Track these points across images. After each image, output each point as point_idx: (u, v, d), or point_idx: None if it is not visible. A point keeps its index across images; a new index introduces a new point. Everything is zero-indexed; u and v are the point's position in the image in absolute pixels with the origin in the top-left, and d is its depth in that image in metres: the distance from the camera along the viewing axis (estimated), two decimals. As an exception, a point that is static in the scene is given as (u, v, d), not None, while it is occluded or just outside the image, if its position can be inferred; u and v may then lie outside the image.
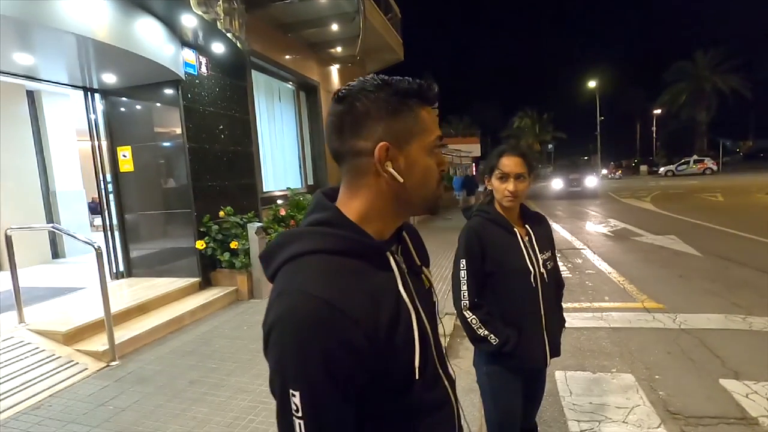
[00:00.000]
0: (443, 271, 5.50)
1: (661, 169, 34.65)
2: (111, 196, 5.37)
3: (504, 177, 1.55)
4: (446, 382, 0.78)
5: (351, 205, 0.70)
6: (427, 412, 0.72)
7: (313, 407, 0.60)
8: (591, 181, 18.46)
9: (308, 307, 0.59)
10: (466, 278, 1.56)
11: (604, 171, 39.03)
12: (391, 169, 0.67)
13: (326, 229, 0.68)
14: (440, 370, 0.77)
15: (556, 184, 19.25)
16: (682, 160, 32.73)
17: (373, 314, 0.63)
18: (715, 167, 31.28)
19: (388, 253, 0.70)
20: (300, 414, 0.59)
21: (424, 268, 0.82)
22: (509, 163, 1.54)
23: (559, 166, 22.63)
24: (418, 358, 0.69)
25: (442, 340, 0.82)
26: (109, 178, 5.31)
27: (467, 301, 1.55)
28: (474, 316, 1.54)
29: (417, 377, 0.69)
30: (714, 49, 33.82)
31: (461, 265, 1.58)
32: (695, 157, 32.97)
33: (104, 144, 5.24)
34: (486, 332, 1.52)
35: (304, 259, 0.65)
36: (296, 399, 0.59)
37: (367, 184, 0.69)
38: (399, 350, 0.66)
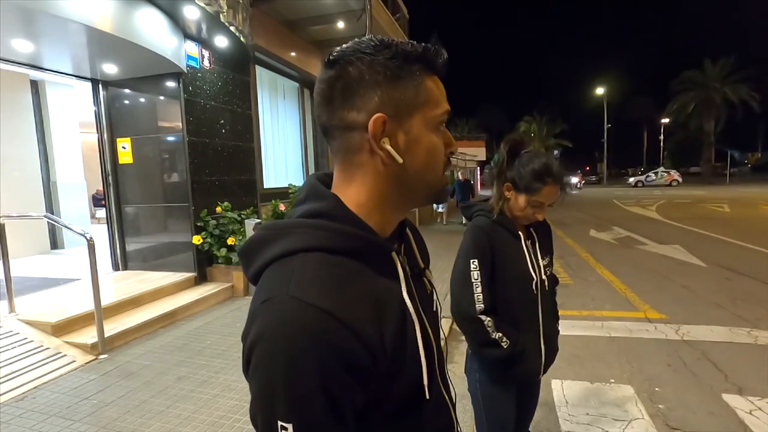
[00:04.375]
0: (441, 273, 5.42)
1: (631, 179, 34.91)
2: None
3: (539, 205, 1.41)
4: (448, 401, 0.69)
5: (348, 193, 0.60)
6: None
7: None
8: None
9: (304, 318, 0.49)
10: (480, 280, 1.42)
11: (574, 179, 35.98)
12: (389, 147, 0.56)
13: (324, 222, 0.57)
14: (442, 388, 0.68)
15: None
16: (651, 171, 33.62)
17: (378, 326, 0.53)
18: (680, 179, 32.17)
19: (393, 253, 0.61)
20: None
21: (426, 270, 0.72)
22: (551, 193, 1.38)
23: None
24: (427, 376, 0.59)
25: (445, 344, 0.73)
26: (108, 169, 5.28)
27: (482, 305, 1.41)
28: (489, 319, 1.41)
29: (427, 397, 0.59)
30: (723, 60, 33.42)
31: (472, 266, 1.43)
32: (662, 168, 33.94)
33: (105, 135, 5.22)
34: (499, 334, 1.41)
35: (296, 258, 0.54)
36: None
37: (361, 165, 0.58)
38: (405, 368, 0.57)
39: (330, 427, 0.49)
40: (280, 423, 0.48)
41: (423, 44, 0.59)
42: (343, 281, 0.54)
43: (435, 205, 13.20)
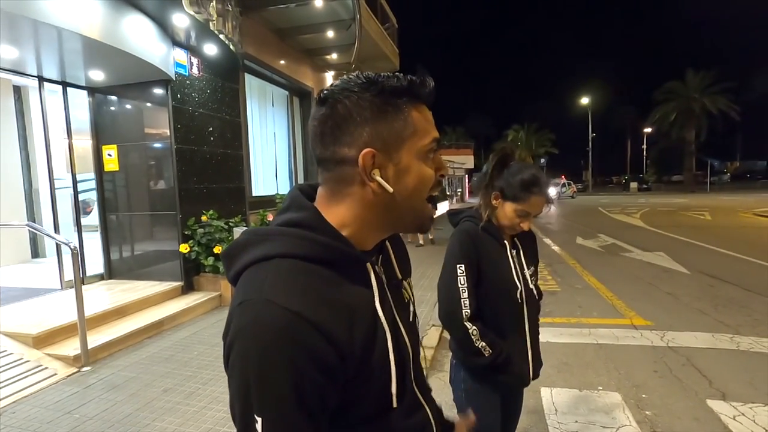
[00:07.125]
0: (426, 281, 5.43)
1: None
2: (80, 195, 5.31)
3: (525, 215, 1.42)
4: (427, 407, 0.71)
5: (333, 211, 0.62)
6: None
7: None
8: None
9: (275, 319, 0.52)
10: (466, 285, 1.41)
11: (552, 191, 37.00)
12: (379, 178, 0.59)
13: (301, 231, 0.60)
14: (419, 395, 0.70)
15: None
16: (562, 185, 35.38)
17: (348, 331, 0.56)
18: (576, 190, 35.45)
19: (368, 265, 0.64)
20: None
21: (404, 281, 0.75)
22: (539, 203, 1.40)
23: None
24: (395, 384, 0.61)
25: (425, 353, 0.74)
26: (81, 177, 5.22)
27: (468, 311, 1.41)
28: (475, 327, 1.41)
29: (395, 405, 0.61)
30: (704, 71, 34.42)
31: (459, 271, 1.42)
32: (566, 181, 36.06)
33: (88, 143, 5.15)
34: (483, 344, 1.41)
35: (272, 264, 0.57)
36: (258, 425, 0.51)
37: (351, 194, 0.61)
38: (374, 374, 0.59)
39: (299, 421, 0.52)
40: (254, 415, 0.52)
41: (408, 77, 0.61)
42: (315, 287, 0.56)
43: None
